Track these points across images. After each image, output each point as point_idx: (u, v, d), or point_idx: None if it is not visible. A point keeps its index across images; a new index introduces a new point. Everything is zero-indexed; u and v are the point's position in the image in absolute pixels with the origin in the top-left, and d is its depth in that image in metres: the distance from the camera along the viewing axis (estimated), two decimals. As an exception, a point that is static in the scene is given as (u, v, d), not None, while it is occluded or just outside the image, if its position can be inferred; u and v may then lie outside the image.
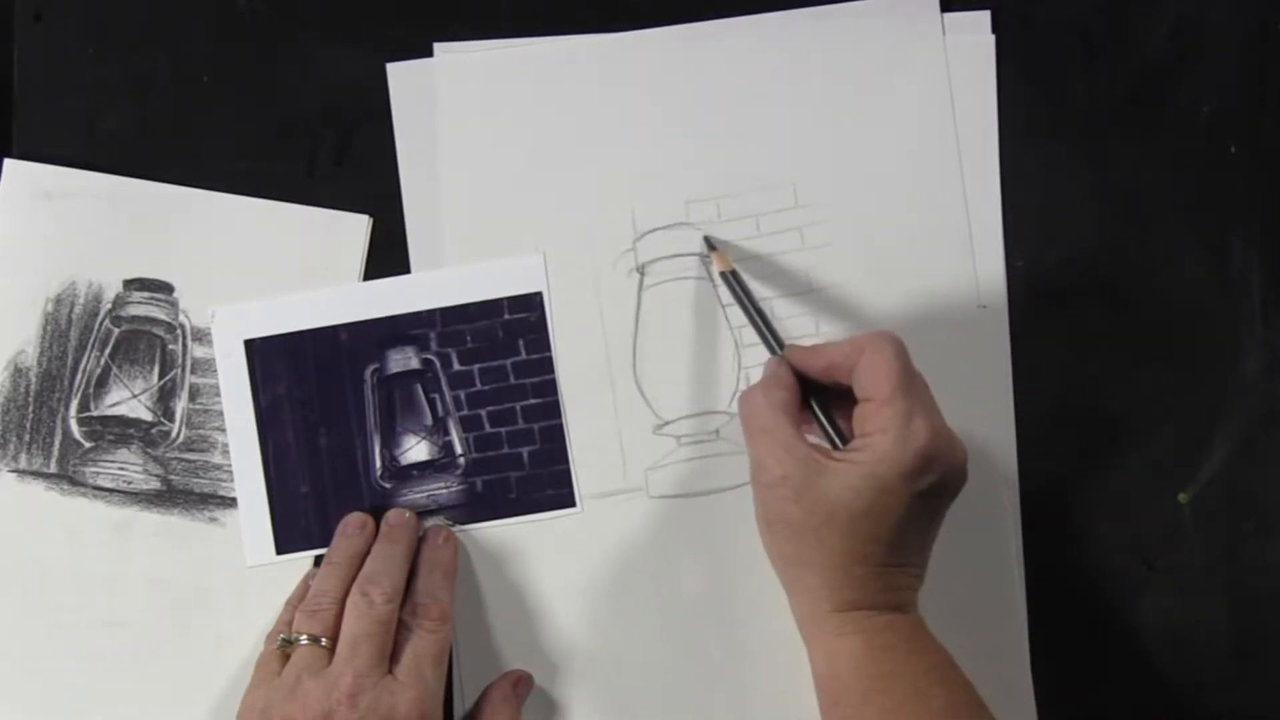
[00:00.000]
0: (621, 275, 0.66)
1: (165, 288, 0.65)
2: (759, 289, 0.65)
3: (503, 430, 0.65)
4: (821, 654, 0.57)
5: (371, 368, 0.65)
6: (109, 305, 0.65)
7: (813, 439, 0.58)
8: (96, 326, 0.65)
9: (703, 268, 0.66)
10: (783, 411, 0.57)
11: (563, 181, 0.66)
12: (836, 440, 0.58)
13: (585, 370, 0.65)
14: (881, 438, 0.55)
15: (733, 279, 0.63)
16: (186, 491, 0.65)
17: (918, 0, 0.66)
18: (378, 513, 0.64)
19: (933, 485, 0.55)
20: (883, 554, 0.56)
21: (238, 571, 0.64)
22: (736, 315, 0.65)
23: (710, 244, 0.65)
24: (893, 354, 0.56)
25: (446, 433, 0.65)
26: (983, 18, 0.67)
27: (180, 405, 0.65)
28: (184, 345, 0.65)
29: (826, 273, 0.66)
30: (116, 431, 0.65)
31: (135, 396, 0.65)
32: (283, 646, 0.60)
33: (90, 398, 0.65)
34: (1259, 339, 0.66)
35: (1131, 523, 0.66)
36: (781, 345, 0.60)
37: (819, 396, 0.59)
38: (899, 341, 0.57)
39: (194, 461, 0.65)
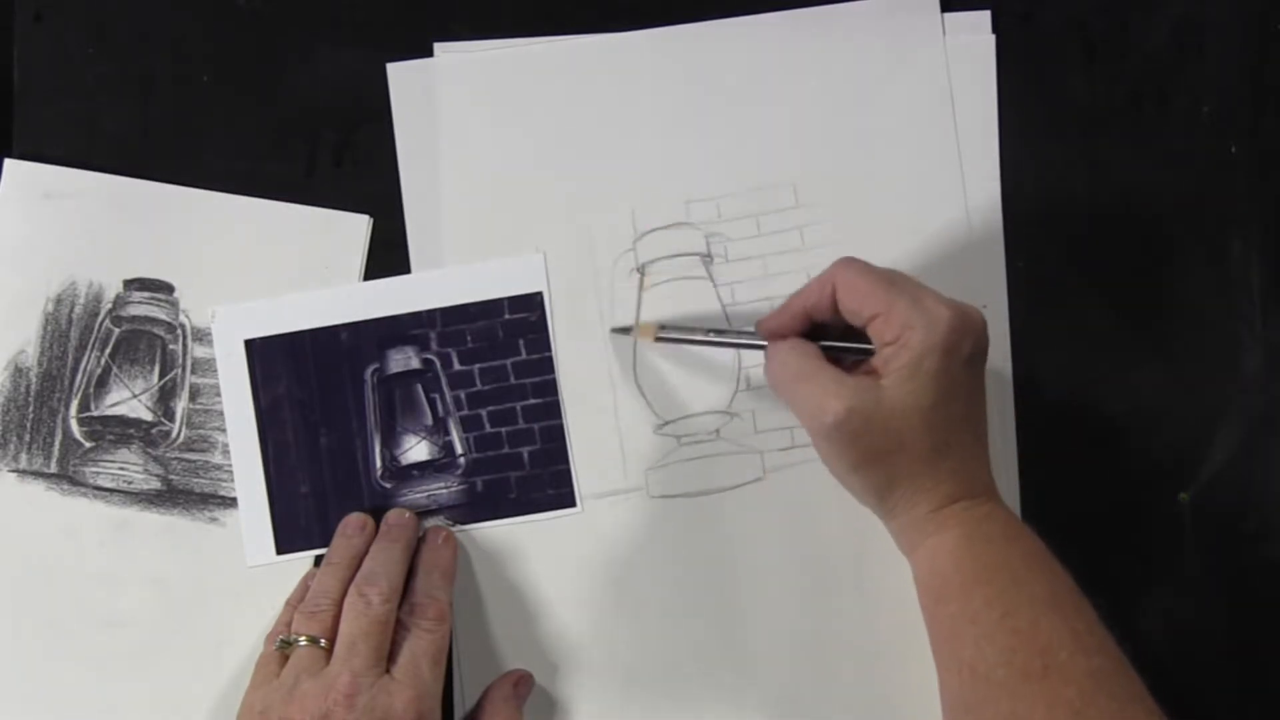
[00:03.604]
0: (621, 275, 0.66)
1: (165, 288, 0.65)
2: (759, 289, 0.65)
3: (503, 430, 0.65)
4: (924, 558, 0.58)
5: (372, 368, 0.65)
6: (109, 305, 0.65)
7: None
8: (97, 326, 0.65)
9: (703, 267, 0.66)
10: (814, 356, 0.58)
11: (563, 181, 0.66)
12: (866, 351, 0.58)
13: (585, 370, 0.65)
14: (911, 333, 0.56)
15: (673, 331, 0.63)
16: (186, 491, 0.65)
17: (918, 0, 0.66)
18: (378, 513, 0.64)
19: (971, 351, 0.57)
20: (958, 436, 0.57)
21: (238, 571, 0.64)
22: (737, 316, 0.65)
23: (625, 329, 0.65)
24: (863, 267, 0.58)
25: (446, 433, 0.65)
26: (983, 18, 0.67)
27: (180, 405, 0.65)
28: (184, 345, 0.65)
29: (826, 273, 0.66)
30: (117, 431, 0.65)
31: (135, 396, 0.65)
32: (282, 648, 0.60)
33: (90, 398, 0.65)
34: (1259, 339, 0.66)
35: (1131, 523, 0.66)
36: (757, 332, 0.61)
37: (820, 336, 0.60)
38: (859, 259, 0.58)
39: (194, 461, 0.65)
